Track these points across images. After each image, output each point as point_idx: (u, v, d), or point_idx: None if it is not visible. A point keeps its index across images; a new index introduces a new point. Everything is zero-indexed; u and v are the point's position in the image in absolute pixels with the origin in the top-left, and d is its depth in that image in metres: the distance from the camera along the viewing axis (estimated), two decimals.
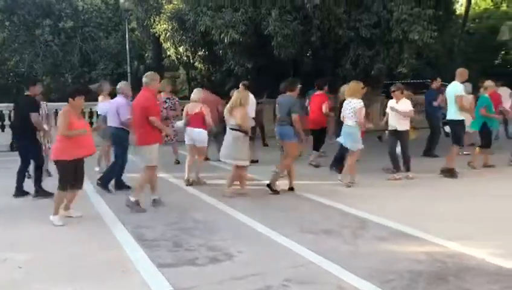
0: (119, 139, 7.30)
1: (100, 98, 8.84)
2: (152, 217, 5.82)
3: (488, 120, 8.94)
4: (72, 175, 5.55)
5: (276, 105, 7.52)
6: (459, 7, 25.68)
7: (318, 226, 5.39)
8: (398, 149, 8.20)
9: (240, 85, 8.97)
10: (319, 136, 9.25)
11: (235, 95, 7.10)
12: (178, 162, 9.73)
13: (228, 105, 7.01)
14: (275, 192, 7.02)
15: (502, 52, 31.90)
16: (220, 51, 13.57)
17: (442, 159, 8.65)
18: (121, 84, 7.59)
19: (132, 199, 6.09)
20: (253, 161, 8.75)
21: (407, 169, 8.06)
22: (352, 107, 7.41)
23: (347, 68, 12.86)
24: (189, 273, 4.09)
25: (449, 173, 8.12)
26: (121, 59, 20.83)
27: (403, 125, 7.98)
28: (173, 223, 5.56)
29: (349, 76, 12.91)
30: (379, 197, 6.92)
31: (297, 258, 4.39)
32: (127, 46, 18.07)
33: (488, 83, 9.15)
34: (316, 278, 3.95)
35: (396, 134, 8.05)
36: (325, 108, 8.98)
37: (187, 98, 16.37)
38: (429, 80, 14.70)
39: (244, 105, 6.88)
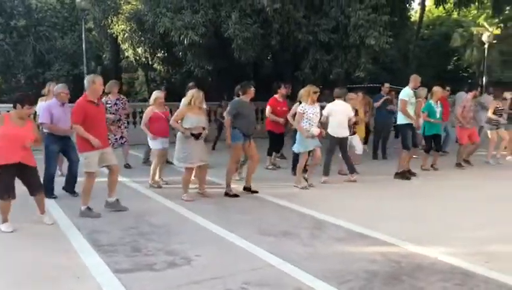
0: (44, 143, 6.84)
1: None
2: (109, 222, 5.68)
3: (428, 124, 9.17)
4: (3, 182, 5.20)
5: None
6: (414, 14, 26.50)
7: (277, 228, 5.41)
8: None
9: (189, 86, 9.07)
10: (276, 140, 9.31)
11: (193, 96, 6.95)
12: (128, 166, 9.45)
13: (185, 107, 6.90)
14: (233, 196, 7.02)
15: (454, 58, 33.23)
16: (180, 53, 13.48)
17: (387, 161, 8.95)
18: (52, 86, 7.41)
19: (82, 207, 5.94)
20: None
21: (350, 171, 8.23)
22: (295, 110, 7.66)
23: (306, 72, 13.08)
24: (146, 278, 4.01)
25: (400, 175, 8.38)
26: (77, 60, 20.30)
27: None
28: (131, 228, 5.45)
29: (309, 80, 13.12)
30: (336, 198, 7.05)
31: (256, 261, 4.39)
32: (84, 47, 17.63)
33: (436, 88, 9.36)
34: (274, 280, 3.96)
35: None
36: (268, 112, 9.08)
37: (146, 100, 16.11)
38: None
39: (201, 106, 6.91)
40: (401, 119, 8.53)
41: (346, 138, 8.25)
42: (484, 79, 25.30)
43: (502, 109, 10.30)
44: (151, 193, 7.32)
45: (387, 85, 11.25)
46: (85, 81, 6.05)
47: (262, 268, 4.22)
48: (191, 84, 9.48)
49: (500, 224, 5.62)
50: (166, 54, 15.95)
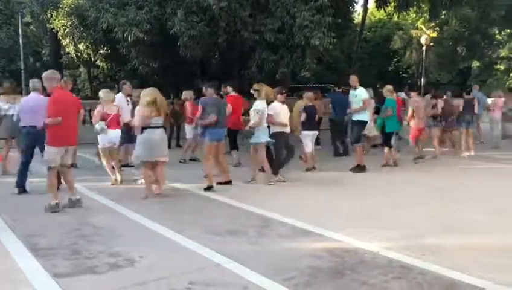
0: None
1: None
2: (48, 224, 5.45)
3: (388, 121, 9.54)
4: None
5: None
6: (357, 16, 27.33)
7: (224, 227, 5.40)
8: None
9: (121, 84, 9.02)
10: (233, 137, 9.39)
11: (151, 94, 6.86)
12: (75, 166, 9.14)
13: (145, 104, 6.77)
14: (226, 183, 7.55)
15: (395, 60, 34.58)
16: (124, 50, 13.15)
17: (348, 159, 9.21)
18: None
19: (52, 202, 5.99)
20: None
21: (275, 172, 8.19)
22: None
23: (253, 71, 13.15)
24: (87, 282, 3.87)
25: (356, 169, 8.87)
26: (14, 55, 19.31)
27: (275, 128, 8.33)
28: (72, 230, 5.25)
29: (256, 79, 13.20)
30: (283, 195, 7.14)
31: (202, 261, 4.36)
32: (20, 42, 16.79)
33: (390, 87, 9.82)
34: (221, 279, 3.95)
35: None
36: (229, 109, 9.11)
37: (90, 98, 15.61)
38: (331, 84, 15.43)
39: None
40: (358, 116, 9.01)
41: (288, 135, 8.45)
42: (422, 80, 26.51)
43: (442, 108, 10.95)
44: (96, 195, 7.09)
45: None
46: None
47: (209, 268, 4.19)
48: (122, 82, 9.31)
49: (433, 217, 5.89)
50: (109, 51, 15.49)
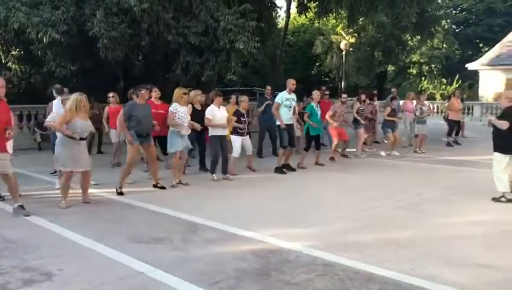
0: None
1: None
2: None
3: (311, 125, 9.78)
4: None
5: None
6: (281, 21, 27.93)
7: (148, 235, 5.27)
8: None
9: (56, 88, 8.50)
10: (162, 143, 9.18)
11: (77, 100, 6.50)
12: None
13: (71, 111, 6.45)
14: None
15: (317, 64, 35.76)
16: (39, 51, 12.40)
17: (271, 160, 9.36)
18: None
19: (15, 205, 6.00)
20: None
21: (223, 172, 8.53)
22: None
23: (178, 74, 12.97)
24: None
25: (279, 170, 9.09)
26: None
27: (224, 130, 8.48)
28: None
29: (181, 81, 13.04)
30: (209, 200, 7.09)
31: (125, 270, 4.21)
32: None
33: (315, 92, 10.06)
34: (144, 288, 3.85)
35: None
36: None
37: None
38: (256, 87, 15.62)
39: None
40: (277, 121, 9.12)
41: (225, 137, 8.55)
42: (343, 83, 27.65)
43: (363, 110, 11.56)
44: (8, 206, 6.60)
45: (269, 88, 11.69)
46: None
47: (132, 277, 4.06)
48: (57, 86, 8.78)
49: (354, 214, 6.15)
50: (22, 52, 14.57)
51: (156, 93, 8.86)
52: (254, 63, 19.47)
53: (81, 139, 6.51)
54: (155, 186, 7.70)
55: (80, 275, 4.09)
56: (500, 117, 6.86)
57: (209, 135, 8.46)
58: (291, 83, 9.17)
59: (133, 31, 11.94)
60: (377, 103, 12.36)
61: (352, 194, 7.47)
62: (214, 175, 8.42)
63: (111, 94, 10.01)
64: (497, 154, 6.80)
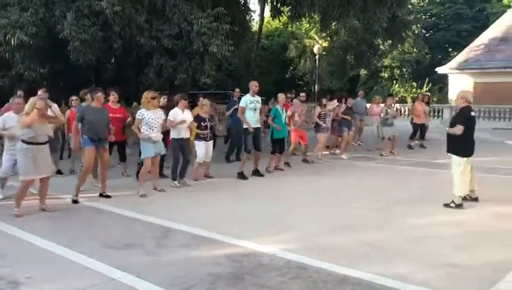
0: None
1: None
2: None
3: (275, 129, 9.70)
4: None
5: None
6: (255, 24, 28.01)
7: (120, 240, 5.19)
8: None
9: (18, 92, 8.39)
10: (119, 148, 9.05)
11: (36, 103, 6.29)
12: None
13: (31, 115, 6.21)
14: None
15: (291, 67, 36.00)
16: (6, 54, 12.09)
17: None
18: None
19: None
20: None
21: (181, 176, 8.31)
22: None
23: (151, 77, 12.85)
24: None
25: (240, 175, 8.94)
26: None
27: (186, 132, 8.32)
28: None
29: (154, 85, 12.91)
30: (182, 204, 7.04)
31: (96, 277, 4.13)
32: None
33: (280, 95, 9.99)
34: None
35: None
36: None
37: None
38: (230, 91, 15.59)
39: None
40: (243, 124, 8.98)
41: (187, 140, 8.40)
42: (316, 87, 27.90)
43: (325, 114, 11.27)
44: None
45: (237, 90, 11.63)
46: None
47: (103, 283, 3.99)
48: (19, 92, 8.59)
49: (327, 217, 6.22)
50: None
51: (113, 97, 8.62)
52: (228, 66, 19.52)
53: (40, 143, 6.19)
54: (101, 195, 7.26)
55: (50, 283, 4.00)
56: (455, 118, 6.84)
57: (170, 137, 8.21)
58: (254, 85, 9.03)
59: (104, 33, 11.77)
60: (344, 105, 12.36)
61: (323, 196, 7.54)
62: (175, 181, 8.16)
63: (74, 98, 9.62)
64: (455, 158, 6.71)
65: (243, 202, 7.16)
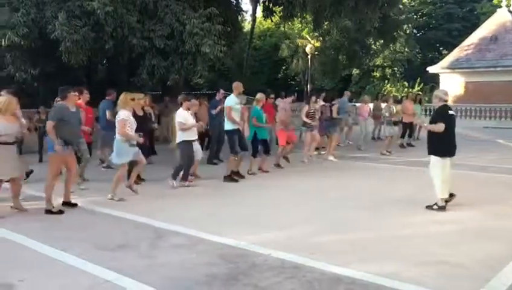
0: None
1: None
2: None
3: (258, 130, 9.58)
4: None
5: None
6: (247, 25, 28.02)
7: (113, 242, 5.17)
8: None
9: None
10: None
11: (5, 102, 6.24)
12: None
13: None
14: (58, 213, 6.44)
15: (283, 67, 36.08)
16: None
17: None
18: None
19: None
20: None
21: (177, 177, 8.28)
22: (117, 119, 7.27)
23: (143, 78, 12.80)
24: None
25: (229, 178, 8.81)
26: None
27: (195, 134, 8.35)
28: None
29: (147, 85, 12.88)
30: (175, 205, 7.03)
31: (90, 279, 4.12)
32: None
33: (259, 95, 9.82)
34: None
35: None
36: None
37: None
38: (223, 91, 15.52)
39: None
40: (228, 125, 8.91)
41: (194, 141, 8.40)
42: (309, 86, 27.98)
43: (314, 112, 11.09)
44: None
45: (222, 91, 11.61)
46: None
47: (97, 285, 3.98)
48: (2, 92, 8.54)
49: (319, 217, 6.24)
50: None
51: (86, 96, 8.57)
52: (221, 66, 19.46)
53: (7, 143, 6.10)
54: (65, 203, 6.76)
55: (43, 285, 3.98)
56: (433, 118, 6.58)
57: (180, 140, 8.14)
58: (239, 85, 9.05)
59: (96, 34, 11.72)
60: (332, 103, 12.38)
61: (314, 197, 7.56)
62: (180, 182, 8.19)
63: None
64: (434, 159, 6.50)
65: (234, 203, 7.16)
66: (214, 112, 10.69)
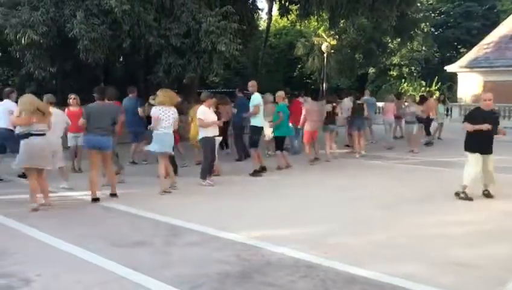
0: None
1: None
2: None
3: (279, 127, 9.75)
4: None
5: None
6: (263, 23, 27.97)
7: (129, 239, 5.22)
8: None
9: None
10: None
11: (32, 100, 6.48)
12: None
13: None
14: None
15: (299, 66, 35.90)
16: (17, 53, 12.20)
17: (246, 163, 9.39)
18: None
19: None
20: None
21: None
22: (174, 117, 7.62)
23: (160, 76, 12.87)
24: None
25: (254, 173, 9.05)
26: None
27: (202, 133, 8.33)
28: None
29: (163, 83, 12.94)
30: (190, 203, 7.06)
31: (106, 275, 4.17)
32: None
33: (280, 92, 10.05)
34: None
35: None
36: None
37: None
38: (245, 90, 15.54)
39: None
40: (255, 121, 9.28)
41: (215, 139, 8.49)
42: (324, 85, 27.81)
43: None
44: None
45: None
46: None
47: (113, 281, 4.02)
48: (7, 89, 8.72)
49: (335, 216, 6.20)
50: (0, 54, 14.33)
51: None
52: (236, 65, 19.47)
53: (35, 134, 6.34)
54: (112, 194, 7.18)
55: (59, 281, 4.03)
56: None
57: (201, 136, 8.24)
58: (249, 85, 9.55)
59: (113, 32, 11.82)
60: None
61: (331, 195, 7.52)
62: (207, 180, 8.20)
63: (72, 96, 9.62)
64: (466, 152, 7.16)
65: (250, 201, 7.17)
66: (245, 115, 10.39)
